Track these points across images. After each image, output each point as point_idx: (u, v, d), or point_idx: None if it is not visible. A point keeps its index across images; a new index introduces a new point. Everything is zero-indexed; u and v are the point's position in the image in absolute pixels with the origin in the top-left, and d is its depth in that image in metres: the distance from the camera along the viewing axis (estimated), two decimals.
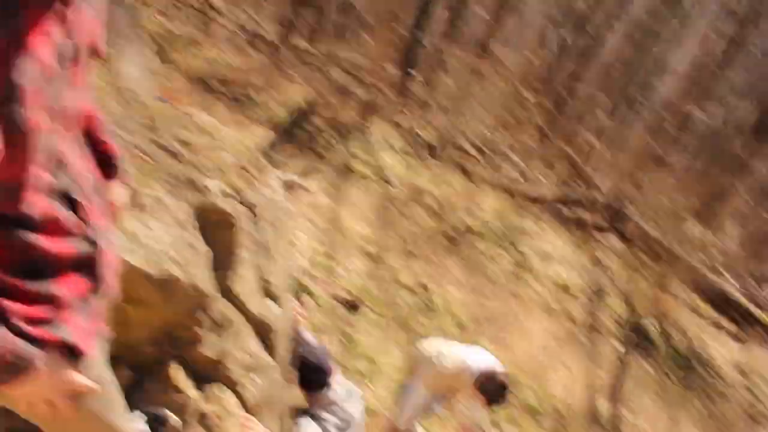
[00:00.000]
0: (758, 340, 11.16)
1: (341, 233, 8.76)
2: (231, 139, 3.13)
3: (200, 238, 2.64)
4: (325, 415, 3.58)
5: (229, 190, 2.81)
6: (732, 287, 12.10)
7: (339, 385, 3.73)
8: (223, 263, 2.83)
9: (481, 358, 4.66)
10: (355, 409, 3.77)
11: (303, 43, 13.22)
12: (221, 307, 2.80)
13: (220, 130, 3.11)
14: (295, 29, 13.25)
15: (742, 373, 9.86)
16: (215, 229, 2.73)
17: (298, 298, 7.10)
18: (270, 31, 12.72)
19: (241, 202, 2.86)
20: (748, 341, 11.09)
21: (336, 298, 7.59)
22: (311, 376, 3.65)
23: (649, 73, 18.96)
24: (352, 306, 7.61)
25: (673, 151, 15.10)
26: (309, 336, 4.17)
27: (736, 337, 11.10)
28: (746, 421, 9.16)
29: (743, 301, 11.85)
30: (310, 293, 7.28)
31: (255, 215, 2.99)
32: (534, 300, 9.32)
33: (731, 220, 15.31)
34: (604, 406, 8.21)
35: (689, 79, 16.97)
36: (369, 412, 6.11)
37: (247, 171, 3.01)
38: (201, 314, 2.67)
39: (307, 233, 8.43)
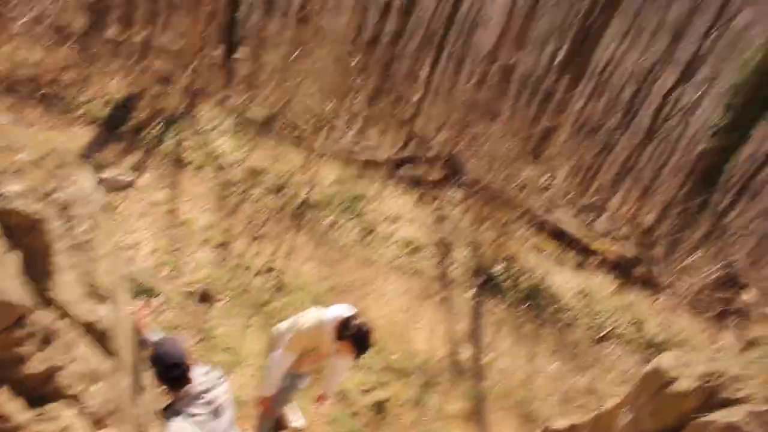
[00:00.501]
0: (595, 266, 11.93)
1: (183, 226, 8.48)
2: (28, 138, 2.87)
3: (3, 246, 2.41)
4: (193, 410, 3.52)
5: (31, 192, 2.57)
6: (567, 221, 12.83)
7: (201, 375, 3.67)
8: (39, 271, 2.61)
9: (332, 310, 4.73)
10: (222, 394, 3.73)
11: (115, 33, 12.53)
12: (43, 318, 2.59)
13: (13, 131, 2.85)
14: (103, 19, 12.51)
15: (585, 299, 10.51)
16: (21, 235, 2.50)
17: (146, 299, 6.84)
18: (76, 22, 11.92)
19: (49, 203, 2.63)
20: (586, 269, 11.83)
21: (187, 293, 7.37)
22: (170, 373, 3.54)
23: (468, 26, 19.61)
24: (204, 299, 7.41)
25: (498, 99, 15.66)
26: (156, 335, 4.02)
27: (576, 267, 11.80)
28: (592, 343, 9.81)
29: (578, 232, 12.61)
30: (158, 292, 7.02)
31: (68, 215, 2.77)
32: (385, 263, 9.45)
33: (559, 158, 16.16)
34: (466, 353, 8.49)
35: (504, 29, 17.61)
36: (238, 401, 5.99)
37: (52, 170, 2.77)
38: (19, 330, 2.45)
39: (147, 232, 8.11)
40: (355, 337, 4.54)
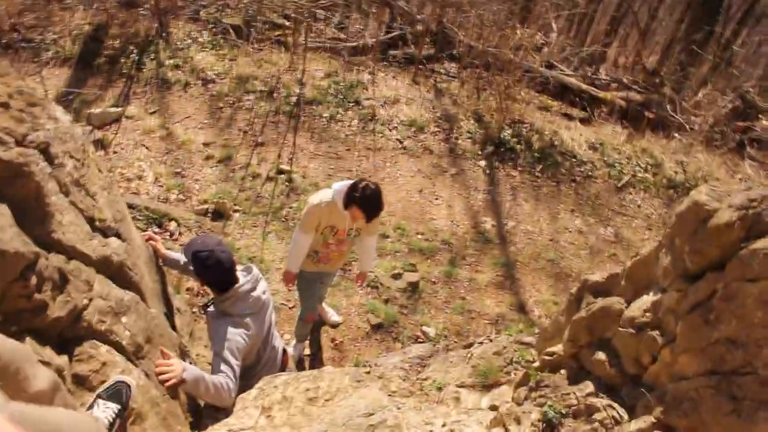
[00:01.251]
0: (603, 116, 11.69)
1: (182, 148, 8.33)
2: None
3: None
4: (242, 309, 3.52)
5: (5, 138, 2.37)
6: (568, 77, 12.49)
7: (242, 275, 3.66)
8: (36, 216, 2.46)
9: (337, 184, 4.66)
10: (264, 291, 3.74)
11: None
12: (53, 262, 2.46)
13: None
14: None
15: (598, 150, 10.33)
16: (6, 185, 2.33)
17: (160, 226, 6.76)
18: None
19: (26, 146, 2.44)
20: (595, 121, 11.59)
21: (200, 212, 7.29)
22: (225, 277, 3.54)
23: None
24: (218, 215, 7.34)
25: None
26: (178, 254, 3.96)
27: (584, 121, 11.56)
28: (612, 191, 9.69)
29: (581, 86, 12.29)
30: (172, 218, 6.95)
31: (50, 155, 2.59)
32: (392, 147, 9.27)
33: (550, 13, 15.59)
34: (488, 223, 8.41)
35: None
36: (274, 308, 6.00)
37: (22, 112, 2.56)
38: (32, 278, 2.32)
39: (147, 160, 7.98)
40: (362, 197, 4.47)
